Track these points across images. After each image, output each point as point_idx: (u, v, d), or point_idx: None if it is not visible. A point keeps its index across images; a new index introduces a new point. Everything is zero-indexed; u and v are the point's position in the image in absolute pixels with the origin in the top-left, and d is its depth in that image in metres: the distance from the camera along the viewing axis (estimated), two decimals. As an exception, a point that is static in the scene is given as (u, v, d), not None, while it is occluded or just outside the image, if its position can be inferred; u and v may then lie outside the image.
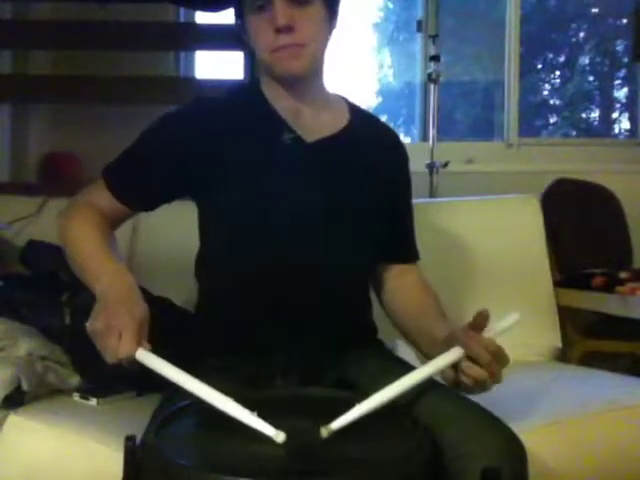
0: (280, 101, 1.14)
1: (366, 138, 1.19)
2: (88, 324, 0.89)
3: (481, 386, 0.92)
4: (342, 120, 1.18)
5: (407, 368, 1.16)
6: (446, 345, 0.94)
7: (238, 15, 1.11)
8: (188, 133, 1.11)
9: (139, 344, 0.87)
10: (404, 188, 1.26)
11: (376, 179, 1.18)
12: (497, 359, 0.90)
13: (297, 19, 1.03)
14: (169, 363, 0.87)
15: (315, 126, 1.14)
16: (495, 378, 0.92)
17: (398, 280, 1.23)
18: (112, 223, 1.13)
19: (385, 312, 1.24)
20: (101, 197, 1.12)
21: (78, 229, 1.07)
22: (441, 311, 1.15)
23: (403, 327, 1.19)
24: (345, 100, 1.23)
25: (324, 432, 0.76)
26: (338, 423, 0.78)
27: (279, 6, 1.01)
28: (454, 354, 0.92)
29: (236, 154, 1.10)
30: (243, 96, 1.21)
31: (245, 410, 0.79)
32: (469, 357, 0.91)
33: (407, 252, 1.26)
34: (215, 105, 1.15)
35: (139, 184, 1.13)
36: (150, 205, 1.16)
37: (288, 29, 1.02)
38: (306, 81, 1.11)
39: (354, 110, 1.21)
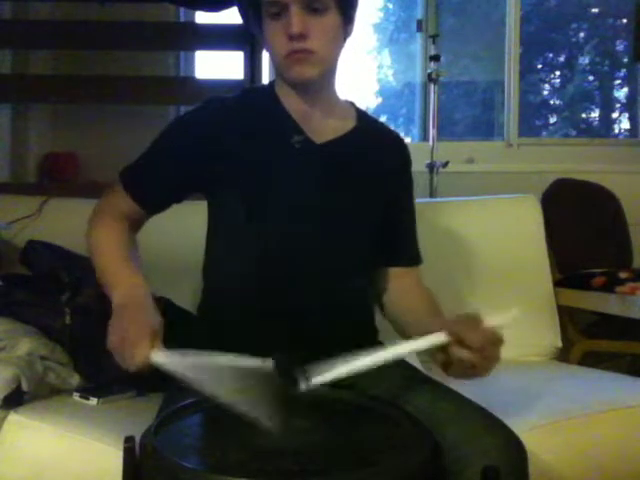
0: (291, 103, 1.15)
1: (371, 141, 1.20)
2: (107, 340, 0.92)
3: (473, 370, 0.90)
4: (349, 124, 1.20)
5: (407, 369, 1.16)
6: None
7: (256, 17, 1.11)
8: (202, 132, 1.12)
9: (153, 351, 0.88)
10: (407, 191, 1.27)
11: (379, 181, 1.19)
12: (490, 342, 0.89)
13: (311, 27, 1.03)
14: (186, 364, 0.88)
15: (323, 129, 1.15)
16: (493, 360, 0.90)
17: (395, 282, 1.24)
18: (133, 225, 1.15)
19: (382, 314, 1.24)
20: (120, 199, 1.14)
21: (99, 236, 1.11)
22: (437, 310, 1.15)
23: (399, 328, 1.19)
24: (353, 105, 1.25)
25: (303, 386, 0.80)
26: (316, 380, 0.81)
27: (295, 14, 1.02)
28: (437, 337, 0.91)
29: (247, 152, 1.11)
30: (257, 96, 1.22)
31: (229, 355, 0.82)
32: (459, 343, 0.89)
33: (408, 256, 1.26)
34: (229, 104, 1.17)
35: (152, 185, 1.15)
36: (162, 205, 1.18)
37: (301, 37, 1.03)
38: (317, 86, 1.13)
39: (361, 115, 1.23)
